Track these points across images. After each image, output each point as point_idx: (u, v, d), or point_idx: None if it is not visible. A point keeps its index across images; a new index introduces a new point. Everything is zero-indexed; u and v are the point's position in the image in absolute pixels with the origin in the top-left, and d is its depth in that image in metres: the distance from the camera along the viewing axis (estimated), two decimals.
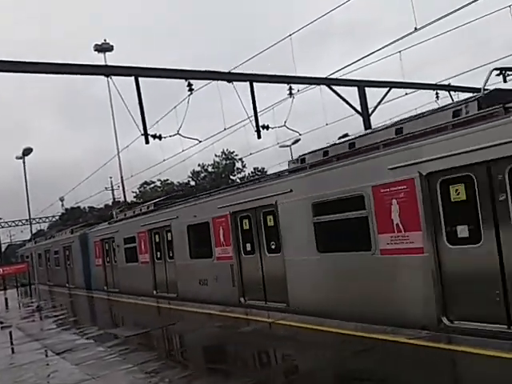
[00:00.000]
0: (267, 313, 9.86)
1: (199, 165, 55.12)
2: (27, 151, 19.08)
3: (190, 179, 55.99)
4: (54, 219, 61.03)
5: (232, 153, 53.77)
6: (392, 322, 7.21)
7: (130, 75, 13.30)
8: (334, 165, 9.02)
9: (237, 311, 10.85)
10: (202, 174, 55.16)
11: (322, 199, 9.04)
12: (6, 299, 25.21)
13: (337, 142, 10.44)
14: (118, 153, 33.62)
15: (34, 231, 42.15)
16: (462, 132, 6.74)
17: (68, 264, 26.09)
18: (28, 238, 55.60)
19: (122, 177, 39.28)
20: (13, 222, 54.32)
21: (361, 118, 17.06)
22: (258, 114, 14.95)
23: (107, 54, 32.05)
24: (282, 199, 10.06)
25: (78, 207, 63.79)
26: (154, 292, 15.88)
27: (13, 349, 11.29)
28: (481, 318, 6.51)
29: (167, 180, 61.75)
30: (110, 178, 55.47)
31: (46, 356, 9.65)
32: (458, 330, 6.66)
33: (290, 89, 15.88)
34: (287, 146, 27.82)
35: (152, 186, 63.52)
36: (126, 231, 17.80)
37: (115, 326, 13.15)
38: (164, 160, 22.78)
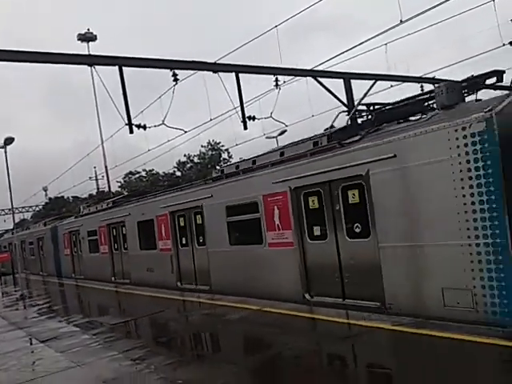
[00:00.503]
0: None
1: (185, 155, 54.78)
2: (9, 141, 18.77)
3: (176, 169, 55.64)
4: (37, 209, 60.15)
5: (218, 143, 53.49)
6: (276, 297, 9.44)
7: (114, 65, 13.01)
8: (239, 177, 11.22)
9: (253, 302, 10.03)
10: (188, 165, 54.82)
11: (232, 203, 11.19)
12: None
13: (245, 158, 12.64)
14: (102, 142, 33.30)
15: (17, 221, 41.44)
16: (313, 159, 8.97)
17: (41, 254, 28.34)
18: (11, 227, 54.79)
19: (106, 166, 38.96)
20: None
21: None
22: (245, 105, 14.83)
23: (91, 43, 31.56)
24: (206, 202, 12.15)
25: (62, 197, 62.88)
26: (113, 278, 17.99)
27: None
28: (329, 293, 8.72)
29: (152, 170, 61.28)
30: (94, 167, 54.74)
31: (31, 344, 9.55)
32: (316, 303, 8.84)
33: (277, 80, 15.80)
34: (273, 137, 27.69)
35: (137, 175, 62.98)
36: (89, 225, 19.99)
37: (100, 314, 13.07)
38: (149, 150, 22.54)
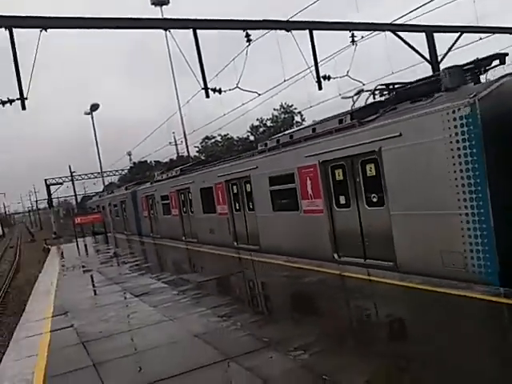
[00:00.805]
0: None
1: (258, 119, 54.79)
2: (94, 107, 19.69)
3: (249, 134, 55.96)
4: (123, 172, 63.59)
5: (291, 106, 52.76)
6: (311, 257, 10.66)
7: (187, 28, 13.02)
8: (278, 151, 12.25)
9: (300, 262, 10.90)
10: (261, 129, 54.86)
11: (273, 174, 12.40)
12: (86, 246, 27.09)
13: (285, 132, 13.76)
14: (180, 108, 34.03)
15: (106, 183, 44.31)
16: (336, 135, 9.82)
17: (124, 215, 31.28)
18: (100, 189, 58.73)
19: (184, 132, 39.95)
20: (85, 175, 57.19)
21: (429, 66, 15.93)
22: (319, 64, 14.34)
23: (164, 7, 31.78)
24: (253, 173, 13.43)
25: (145, 161, 66.02)
26: (183, 238, 20.28)
27: (95, 291, 12.11)
28: (353, 254, 9.73)
29: (227, 135, 62.16)
30: (173, 133, 56.64)
31: (125, 298, 10.26)
32: (343, 262, 9.95)
33: (353, 36, 15.03)
34: (349, 97, 26.65)
35: (213, 140, 64.24)
36: (162, 190, 22.15)
37: (184, 271, 13.73)
38: (224, 114, 22.76)
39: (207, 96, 13.50)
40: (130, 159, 67.52)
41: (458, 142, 7.03)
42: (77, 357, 6.47)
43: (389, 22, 15.49)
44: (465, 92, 7.29)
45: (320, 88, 14.52)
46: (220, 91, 14.03)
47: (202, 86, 13.26)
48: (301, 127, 13.32)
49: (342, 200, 10.04)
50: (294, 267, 10.48)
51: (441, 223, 7.52)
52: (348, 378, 4.67)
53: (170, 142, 57.39)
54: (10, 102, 11.36)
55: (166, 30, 12.93)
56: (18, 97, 11.20)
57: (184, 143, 42.48)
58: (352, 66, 15.53)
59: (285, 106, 53.03)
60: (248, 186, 14.04)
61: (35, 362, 6.48)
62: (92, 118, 20.18)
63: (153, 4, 31.40)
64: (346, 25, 15.00)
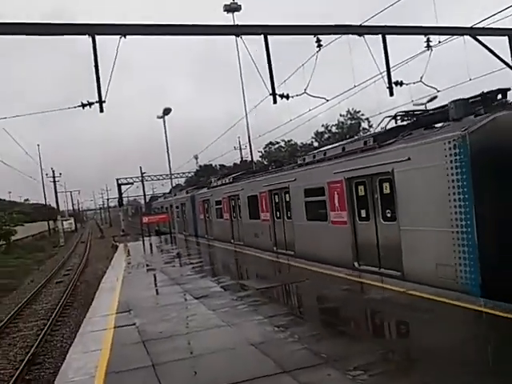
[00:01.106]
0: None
1: (323, 125, 54.26)
2: (167, 111, 20.39)
3: (314, 140, 55.57)
4: (189, 175, 65.52)
5: (358, 112, 51.74)
6: (336, 263, 11.76)
7: (259, 34, 13.08)
8: (312, 166, 13.57)
9: (363, 276, 10.58)
10: (326, 135, 54.30)
11: (308, 187, 13.75)
12: (151, 245, 28.11)
13: (321, 149, 15.06)
14: (246, 114, 34.36)
15: (173, 185, 45.85)
16: (361, 155, 10.95)
17: (184, 216, 32.72)
18: (167, 191, 60.83)
19: (249, 137, 40.26)
20: (155, 176, 59.51)
21: (511, 72, 14.89)
22: (391, 70, 13.85)
23: (235, 13, 32.39)
24: (291, 184, 14.80)
25: (211, 165, 67.80)
26: (232, 240, 21.80)
27: (157, 290, 12.47)
28: (371, 263, 10.74)
29: (291, 140, 62.14)
30: (238, 137, 57.61)
31: (186, 300, 10.46)
32: (362, 270, 10.99)
33: (428, 41, 14.38)
34: (422, 104, 25.56)
35: (276, 146, 64.51)
36: (216, 196, 24.09)
37: (244, 277, 13.81)
38: (290, 120, 22.68)
39: (275, 102, 13.46)
40: (197, 162, 69.53)
41: (452, 168, 8.06)
42: (137, 355, 6.64)
43: (468, 25, 14.67)
44: (466, 123, 8.18)
45: (391, 94, 14.02)
46: (288, 97, 13.94)
47: (270, 92, 13.27)
48: (334, 145, 14.05)
49: (363, 213, 11.15)
50: (355, 281, 10.17)
51: (437, 239, 8.51)
52: None
53: (235, 147, 58.47)
54: (90, 104, 11.99)
55: (237, 36, 13.09)
56: (97, 100, 11.81)
57: (248, 148, 42.93)
58: (426, 71, 14.83)
59: (352, 112, 52.09)
60: (287, 196, 15.43)
61: (98, 356, 6.74)
62: (164, 121, 20.95)
63: (225, 11, 32.15)
64: (422, 29, 14.37)
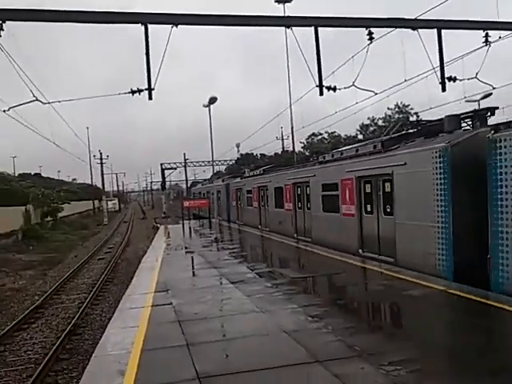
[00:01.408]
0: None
1: (369, 118, 53.12)
2: (213, 100, 20.52)
3: (358, 132, 54.56)
4: (231, 162, 65.99)
5: (407, 106, 50.25)
6: (344, 250, 13.56)
7: (309, 25, 12.92)
8: (329, 164, 15.70)
9: (402, 272, 10.38)
10: (371, 128, 53.15)
11: (325, 182, 15.66)
12: (190, 228, 28.62)
13: (339, 149, 17.27)
14: (290, 105, 34.11)
15: (215, 171, 46.34)
16: (367, 158, 12.77)
17: (219, 203, 34.62)
18: (208, 177, 61.54)
19: (292, 128, 40.00)
20: (197, 162, 60.32)
21: None
22: (445, 65, 13.35)
23: (286, 5, 32.06)
24: (312, 179, 16.77)
25: (252, 153, 67.92)
26: (259, 226, 23.99)
27: (194, 272, 12.70)
28: (372, 251, 12.53)
29: (334, 132, 61.31)
30: (281, 127, 57.39)
31: (221, 284, 10.63)
32: (364, 256, 12.72)
33: (487, 36, 13.73)
34: (475, 100, 24.50)
35: (319, 137, 63.84)
36: (248, 185, 26.62)
37: (279, 265, 13.85)
38: (336, 112, 22.27)
39: (321, 94, 13.28)
40: (238, 150, 69.88)
41: (436, 173, 9.70)
42: (173, 334, 6.81)
43: None
44: (454, 136, 9.98)
45: (444, 90, 13.54)
46: (335, 89, 13.72)
47: (317, 84, 13.10)
48: (349, 146, 16.28)
49: (369, 208, 12.91)
50: (393, 276, 9.99)
51: (424, 232, 10.16)
52: None
53: (277, 137, 58.30)
54: (139, 91, 12.26)
55: (287, 27, 12.97)
56: (146, 87, 12.06)
57: (290, 138, 42.68)
58: (482, 67, 14.18)
59: (400, 106, 50.65)
60: (308, 188, 17.43)
61: (135, 333, 6.95)
62: (209, 110, 21.12)
63: (276, 2, 31.89)
64: (480, 24, 13.73)
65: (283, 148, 58.95)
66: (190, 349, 6.13)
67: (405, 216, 10.88)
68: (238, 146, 69.58)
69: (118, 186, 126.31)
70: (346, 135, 56.94)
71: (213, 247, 18.01)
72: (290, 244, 17.20)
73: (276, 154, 61.29)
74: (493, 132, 8.49)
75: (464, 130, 10.34)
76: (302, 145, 63.54)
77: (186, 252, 16.89)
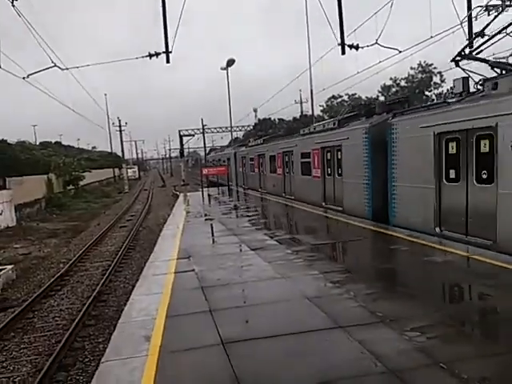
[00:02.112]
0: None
1: (391, 78, 51.60)
2: (230, 62, 20.06)
3: (380, 94, 53.20)
4: (248, 128, 65.49)
5: (430, 65, 48.48)
6: (314, 204, 17.93)
7: None
8: (306, 137, 19.36)
9: (426, 238, 10.28)
10: (394, 89, 51.70)
11: (302, 151, 19.24)
12: (209, 196, 28.81)
13: (317, 123, 20.66)
14: (310, 67, 33.30)
15: (232, 137, 46.15)
16: (329, 133, 16.55)
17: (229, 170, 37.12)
18: (225, 143, 61.24)
19: (311, 91, 39.18)
20: (215, 128, 60.04)
21: None
22: (473, 19, 12.76)
23: None
24: (294, 149, 20.58)
25: (270, 118, 67.19)
26: (259, 189, 28.18)
27: (215, 239, 12.84)
28: (331, 203, 16.75)
29: (355, 94, 59.95)
30: (300, 91, 56.39)
31: (241, 251, 10.74)
32: (327, 207, 17.01)
33: None
34: (504, 57, 23.49)
35: (339, 100, 62.59)
36: (250, 154, 30.74)
37: (298, 231, 13.89)
38: (358, 72, 21.70)
39: (343, 52, 12.98)
40: (256, 116, 69.19)
41: (363, 144, 13.53)
42: (196, 300, 6.94)
43: None
44: (376, 118, 13.89)
45: (471, 46, 12.98)
46: (357, 47, 13.37)
47: (339, 42, 12.73)
48: (321, 123, 20.10)
49: (329, 171, 16.92)
50: (415, 242, 9.93)
51: (359, 187, 14.02)
52: (468, 370, 4.30)
53: (296, 100, 57.41)
54: (157, 54, 12.11)
55: None
56: (164, 50, 11.89)
57: (310, 102, 41.95)
58: None
59: (423, 65, 48.90)
60: (291, 156, 20.78)
61: (160, 299, 7.11)
62: (227, 73, 20.75)
63: None
64: None
65: (302, 112, 58.14)
66: (213, 315, 6.25)
67: (348, 176, 14.95)
68: (255, 110, 68.96)
69: (137, 153, 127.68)
70: (366, 97, 55.63)
71: (232, 214, 18.15)
72: (304, 209, 17.59)
73: (295, 118, 60.56)
74: (391, 118, 12.32)
75: (387, 113, 13.44)
76: (322, 108, 62.54)
77: (206, 219, 17.04)
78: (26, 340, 9.41)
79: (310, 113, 44.51)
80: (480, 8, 11.16)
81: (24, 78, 12.93)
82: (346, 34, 12.77)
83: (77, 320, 9.93)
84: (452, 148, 10.05)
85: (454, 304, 6.67)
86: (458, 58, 11.10)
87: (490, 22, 10.80)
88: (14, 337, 9.63)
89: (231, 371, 4.63)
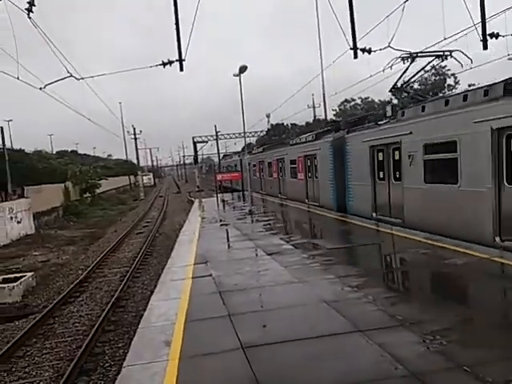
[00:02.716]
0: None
1: (404, 82, 51.18)
2: (243, 69, 20.16)
3: (393, 97, 52.79)
4: (261, 134, 65.56)
5: (443, 67, 48.00)
6: (299, 201, 22.90)
7: None
8: (295, 146, 24.18)
9: (443, 240, 10.17)
10: (405, 93, 51.29)
11: (290, 158, 24.45)
12: (224, 201, 28.90)
13: (303, 136, 24.87)
14: (322, 71, 33.35)
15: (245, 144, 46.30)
16: (308, 144, 21.64)
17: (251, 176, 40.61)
18: (239, 149, 61.48)
19: (323, 95, 39.29)
20: (228, 134, 60.25)
21: None
22: (486, 21, 12.66)
23: None
24: (285, 157, 25.37)
25: (282, 124, 67.26)
26: (260, 190, 32.68)
27: (231, 244, 12.88)
28: (313, 201, 21.14)
29: (368, 98, 59.69)
30: (312, 95, 56.39)
31: (256, 256, 10.78)
32: (309, 204, 21.44)
33: None
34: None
35: (352, 103, 62.37)
36: (253, 161, 35.32)
37: (314, 235, 13.86)
38: (370, 76, 21.59)
39: (355, 56, 12.95)
40: (268, 121, 69.29)
41: (330, 154, 17.88)
42: (214, 305, 6.98)
43: None
44: (338, 134, 18.02)
45: (485, 47, 12.89)
46: (370, 51, 13.33)
47: (351, 46, 12.73)
48: (304, 135, 23.73)
49: (309, 174, 21.26)
50: (434, 245, 9.82)
51: (328, 187, 18.44)
52: (491, 373, 4.25)
53: (309, 105, 57.41)
54: (170, 63, 12.22)
55: None
56: (177, 58, 12.00)
57: (322, 106, 41.92)
58: None
59: (437, 68, 48.39)
60: (284, 163, 25.85)
61: (178, 304, 7.16)
62: (240, 79, 20.82)
63: None
64: None
65: (315, 116, 58.04)
66: (232, 319, 6.27)
67: (322, 179, 19.31)
68: (268, 116, 69.12)
69: (152, 161, 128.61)
70: (379, 100, 55.31)
71: (247, 220, 18.20)
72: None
73: (307, 123, 60.47)
74: (346, 133, 16.95)
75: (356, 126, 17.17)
76: (335, 112, 62.35)
77: (221, 225, 17.11)
78: (47, 346, 9.54)
79: (323, 117, 44.46)
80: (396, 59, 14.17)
81: (41, 88, 13.18)
82: (357, 38, 12.74)
83: (96, 326, 10.03)
84: (380, 157, 14.32)
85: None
86: (393, 90, 15.86)
87: (406, 70, 14.89)
88: (36, 342, 9.76)
89: (252, 375, 4.64)
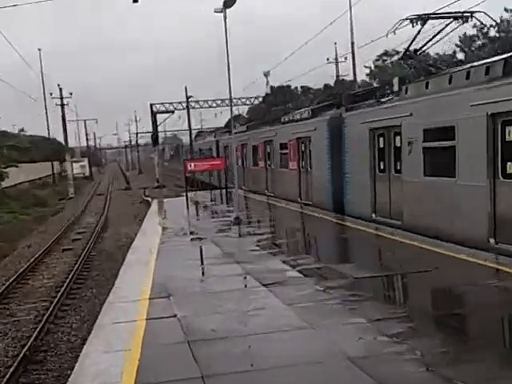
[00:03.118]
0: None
1: (475, 26, 51.26)
2: (229, 2, 19.85)
3: (459, 49, 52.85)
4: (256, 101, 65.10)
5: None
6: (289, 198, 27.29)
7: None
8: (287, 125, 28.14)
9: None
10: (478, 42, 51.23)
11: (281, 141, 28.51)
12: (197, 203, 28.96)
13: (297, 111, 29.08)
14: (350, 8, 33.44)
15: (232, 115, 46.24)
16: (302, 123, 25.15)
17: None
18: (222, 124, 61.17)
19: (352, 43, 39.26)
20: (205, 101, 59.94)
21: None
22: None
23: None
24: (274, 138, 29.52)
25: (288, 86, 67.04)
26: (266, 191, 33.19)
27: (207, 269, 12.93)
28: (307, 199, 25.15)
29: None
30: (335, 44, 56.45)
31: (245, 287, 10.96)
32: (302, 203, 25.56)
33: None
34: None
35: (396, 58, 62.45)
36: (229, 142, 37.67)
37: (331, 256, 13.92)
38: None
39: None
40: (267, 82, 69.11)
41: (326, 136, 21.21)
42: (179, 362, 7.02)
43: None
44: (336, 112, 21.38)
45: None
46: None
47: None
48: (299, 111, 27.19)
49: (303, 164, 24.90)
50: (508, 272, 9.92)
51: (322, 178, 21.87)
52: None
53: (328, 59, 57.33)
54: None
55: None
56: None
57: (350, 60, 41.94)
58: None
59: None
60: (271, 147, 30.07)
61: (124, 359, 7.15)
62: (225, 17, 20.47)
63: None
64: None
65: (338, 76, 58.16)
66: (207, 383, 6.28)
67: (316, 168, 22.82)
68: (266, 75, 69.15)
69: (87, 139, 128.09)
70: (437, 54, 55.42)
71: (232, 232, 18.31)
72: (319, 217, 20.67)
73: (326, 85, 60.44)
74: (344, 111, 19.40)
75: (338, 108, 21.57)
76: (368, 71, 62.43)
77: (193, 239, 17.15)
78: None
79: (351, 77, 44.52)
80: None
81: None
82: None
83: None
84: (381, 143, 17.13)
85: None
86: (405, 56, 17.94)
87: (418, 32, 16.41)
88: None
89: None
